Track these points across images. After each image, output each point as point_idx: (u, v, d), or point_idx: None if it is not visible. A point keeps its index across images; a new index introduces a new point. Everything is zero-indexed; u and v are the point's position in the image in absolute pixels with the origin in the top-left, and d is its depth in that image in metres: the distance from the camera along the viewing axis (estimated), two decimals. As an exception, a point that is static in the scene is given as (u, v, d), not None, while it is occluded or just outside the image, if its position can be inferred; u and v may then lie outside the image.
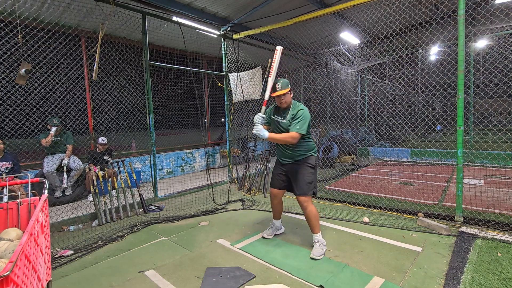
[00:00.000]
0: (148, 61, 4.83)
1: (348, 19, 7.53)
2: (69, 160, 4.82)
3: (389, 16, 5.12)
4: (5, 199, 2.41)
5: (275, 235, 3.40)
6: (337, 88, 9.80)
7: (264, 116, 2.87)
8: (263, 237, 3.33)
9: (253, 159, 6.27)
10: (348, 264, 2.67)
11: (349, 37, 7.78)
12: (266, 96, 2.87)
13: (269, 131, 2.91)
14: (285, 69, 7.95)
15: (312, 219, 2.89)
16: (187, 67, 5.55)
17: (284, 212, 4.11)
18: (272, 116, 3.07)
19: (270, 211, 3.87)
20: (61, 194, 4.86)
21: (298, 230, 3.56)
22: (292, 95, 2.96)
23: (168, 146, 7.33)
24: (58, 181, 4.82)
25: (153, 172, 5.05)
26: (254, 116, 2.83)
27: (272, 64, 2.94)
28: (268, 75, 2.94)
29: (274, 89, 2.87)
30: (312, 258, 2.79)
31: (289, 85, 2.88)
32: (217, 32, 6.15)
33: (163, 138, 7.10)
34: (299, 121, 2.78)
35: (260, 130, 2.74)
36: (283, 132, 2.93)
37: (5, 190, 2.38)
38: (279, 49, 2.94)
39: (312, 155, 2.97)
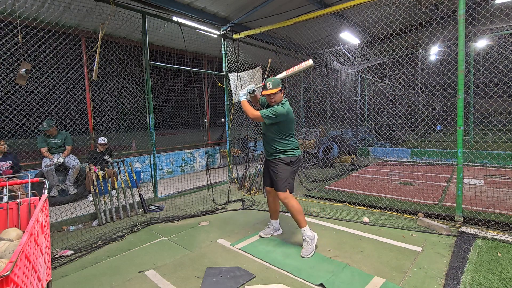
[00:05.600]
0: (148, 61, 4.83)
1: (348, 19, 7.53)
2: (64, 159, 4.79)
3: (389, 16, 5.12)
4: (5, 199, 2.41)
5: (274, 235, 3.41)
6: (337, 88, 9.80)
7: (256, 89, 3.14)
8: (260, 236, 3.36)
9: (253, 159, 6.27)
10: (348, 264, 2.67)
11: (349, 37, 7.78)
12: (265, 81, 3.04)
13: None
14: (285, 69, 7.96)
15: (294, 214, 2.91)
16: (187, 67, 5.55)
17: (283, 212, 4.11)
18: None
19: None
20: (56, 194, 4.85)
21: (298, 230, 3.55)
22: (283, 94, 3.05)
23: (168, 146, 7.33)
24: (57, 180, 4.82)
25: (153, 172, 5.05)
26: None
27: (296, 67, 3.11)
28: (287, 69, 3.13)
29: (265, 87, 2.96)
30: (302, 257, 2.83)
31: (280, 85, 2.96)
32: (217, 32, 6.15)
33: (163, 138, 7.09)
34: (268, 109, 2.94)
35: (244, 94, 3.08)
36: (266, 125, 3.04)
37: (5, 190, 2.38)
38: (309, 63, 3.09)
39: (289, 155, 3.01)
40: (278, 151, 3.02)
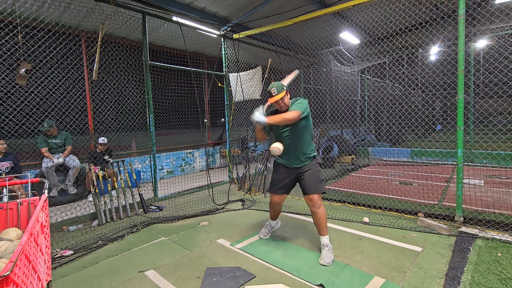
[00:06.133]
0: (148, 61, 4.83)
1: (348, 19, 7.53)
2: (64, 159, 4.79)
3: (389, 16, 5.12)
4: (5, 199, 2.41)
5: (274, 235, 3.40)
6: (337, 88, 9.80)
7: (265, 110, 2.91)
8: (259, 238, 3.34)
9: (253, 159, 6.27)
10: (348, 264, 2.67)
11: (349, 37, 7.78)
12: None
13: (269, 135, 3.00)
14: (286, 69, 7.97)
15: (323, 220, 2.84)
16: (187, 67, 5.55)
17: (284, 212, 4.11)
18: None
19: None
20: (56, 194, 4.85)
21: (298, 230, 3.55)
22: (289, 96, 2.91)
23: (168, 146, 7.33)
24: (57, 180, 4.82)
25: (153, 172, 5.05)
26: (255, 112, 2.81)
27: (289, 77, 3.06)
28: (283, 80, 3.03)
29: (270, 95, 2.79)
30: (322, 265, 2.67)
31: (284, 87, 2.80)
32: (217, 32, 6.15)
33: (163, 138, 7.09)
34: (297, 104, 2.80)
35: (259, 115, 2.71)
36: (286, 130, 2.88)
37: (5, 190, 2.38)
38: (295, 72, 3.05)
39: (316, 154, 3.01)
40: (313, 152, 2.93)
